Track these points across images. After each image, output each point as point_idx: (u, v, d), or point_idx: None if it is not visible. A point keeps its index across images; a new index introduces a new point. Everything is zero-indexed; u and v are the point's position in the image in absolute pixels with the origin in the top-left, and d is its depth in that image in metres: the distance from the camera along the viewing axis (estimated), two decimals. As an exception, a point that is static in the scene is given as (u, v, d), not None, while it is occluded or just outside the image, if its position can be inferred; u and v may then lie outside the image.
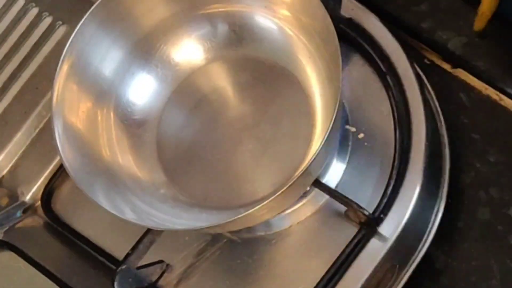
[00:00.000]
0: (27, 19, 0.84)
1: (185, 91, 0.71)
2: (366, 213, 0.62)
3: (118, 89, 0.70)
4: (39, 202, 0.77)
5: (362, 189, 0.65)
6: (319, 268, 0.63)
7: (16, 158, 0.79)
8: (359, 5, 0.70)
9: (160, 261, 0.68)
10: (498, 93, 0.70)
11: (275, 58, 0.69)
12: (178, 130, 0.70)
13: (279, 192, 0.57)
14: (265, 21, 0.69)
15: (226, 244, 0.68)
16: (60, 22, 0.82)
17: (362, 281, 0.62)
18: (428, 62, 0.73)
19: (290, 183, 0.57)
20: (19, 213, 0.77)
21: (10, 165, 0.80)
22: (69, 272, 0.72)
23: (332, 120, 0.58)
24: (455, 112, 0.71)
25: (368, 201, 0.64)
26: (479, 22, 0.70)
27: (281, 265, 0.66)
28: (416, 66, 0.68)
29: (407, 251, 0.65)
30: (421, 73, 0.69)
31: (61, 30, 0.82)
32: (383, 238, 0.62)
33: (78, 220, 0.75)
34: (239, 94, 0.71)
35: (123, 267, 0.65)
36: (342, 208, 0.64)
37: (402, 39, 0.70)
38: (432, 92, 0.70)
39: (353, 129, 0.68)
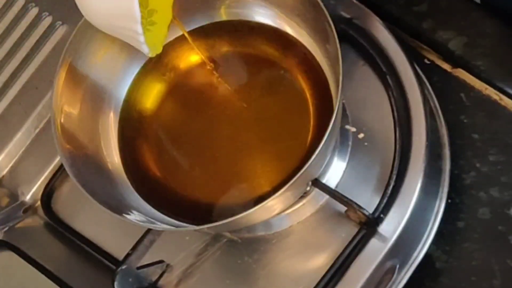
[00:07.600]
0: (27, 19, 0.84)
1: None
2: (366, 213, 0.62)
3: (118, 89, 0.70)
4: (39, 202, 0.77)
5: (362, 189, 0.66)
6: (319, 268, 0.63)
7: (16, 158, 0.79)
8: (359, 5, 0.70)
9: (160, 261, 0.68)
10: (498, 93, 0.70)
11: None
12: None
13: (279, 192, 0.57)
14: (265, 20, 0.69)
15: (226, 244, 0.68)
16: (60, 22, 0.82)
17: (362, 281, 0.62)
18: (428, 62, 0.73)
19: (290, 183, 0.57)
20: (19, 213, 0.77)
21: (10, 165, 0.80)
22: (69, 272, 0.72)
23: (332, 120, 0.57)
24: (455, 112, 0.70)
25: (368, 201, 0.64)
26: None
27: (281, 265, 0.66)
28: (416, 66, 0.68)
29: (407, 251, 0.65)
30: (421, 73, 0.69)
31: (61, 30, 0.82)
32: (383, 238, 0.62)
33: (78, 220, 0.75)
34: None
35: (123, 267, 0.65)
36: (342, 208, 0.64)
37: (402, 39, 0.70)
38: (432, 92, 0.70)
39: (353, 129, 0.68)
